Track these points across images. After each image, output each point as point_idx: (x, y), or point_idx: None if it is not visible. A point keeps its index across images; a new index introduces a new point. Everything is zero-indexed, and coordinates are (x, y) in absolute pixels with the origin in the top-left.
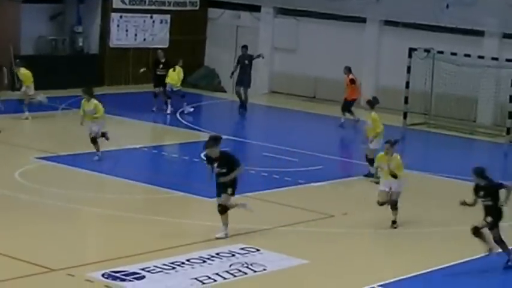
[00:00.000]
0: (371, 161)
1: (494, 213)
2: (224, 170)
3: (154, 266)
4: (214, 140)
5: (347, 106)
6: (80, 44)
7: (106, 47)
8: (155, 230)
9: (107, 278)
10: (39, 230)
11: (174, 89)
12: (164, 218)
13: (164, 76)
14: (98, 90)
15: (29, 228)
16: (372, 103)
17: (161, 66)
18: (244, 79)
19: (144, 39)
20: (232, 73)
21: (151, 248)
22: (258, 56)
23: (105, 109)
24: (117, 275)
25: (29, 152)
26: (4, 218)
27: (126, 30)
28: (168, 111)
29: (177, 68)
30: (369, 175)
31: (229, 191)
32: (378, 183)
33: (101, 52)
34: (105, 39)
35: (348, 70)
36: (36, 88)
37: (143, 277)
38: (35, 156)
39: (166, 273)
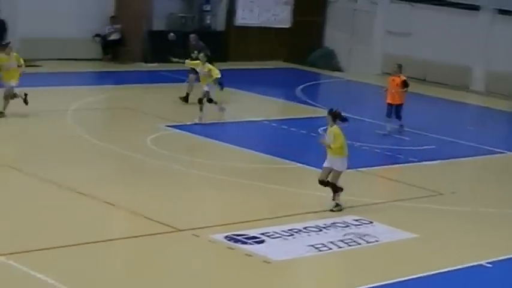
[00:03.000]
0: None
1: None
2: None
3: (274, 232)
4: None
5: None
6: (208, 21)
7: (231, 25)
8: (273, 198)
9: (229, 240)
10: (167, 193)
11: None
12: (281, 187)
13: None
14: (222, 65)
15: (158, 191)
16: (337, 116)
17: None
18: None
19: (267, 19)
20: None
21: (269, 214)
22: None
23: (229, 84)
24: (239, 238)
25: (156, 120)
26: (137, 180)
27: (251, 10)
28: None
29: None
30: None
31: None
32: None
33: (226, 29)
34: (231, 18)
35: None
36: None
37: (263, 241)
38: (165, 125)
39: (285, 239)
